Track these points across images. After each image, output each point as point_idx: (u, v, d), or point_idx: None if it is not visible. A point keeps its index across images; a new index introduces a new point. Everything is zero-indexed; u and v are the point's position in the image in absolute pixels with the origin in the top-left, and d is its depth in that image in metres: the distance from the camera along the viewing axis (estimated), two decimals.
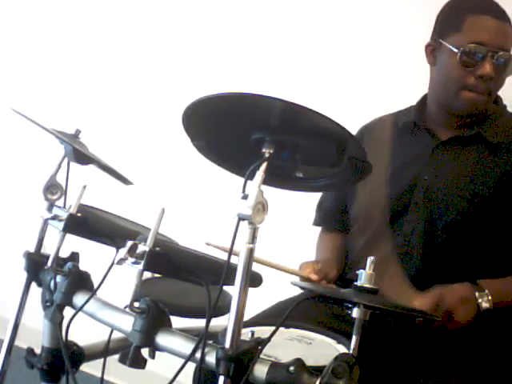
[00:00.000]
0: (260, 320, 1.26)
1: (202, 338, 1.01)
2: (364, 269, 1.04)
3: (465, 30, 1.52)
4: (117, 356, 1.10)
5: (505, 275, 1.52)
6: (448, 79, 1.56)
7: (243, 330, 0.99)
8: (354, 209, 1.72)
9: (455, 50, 1.51)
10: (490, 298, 1.43)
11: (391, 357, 1.45)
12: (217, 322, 1.09)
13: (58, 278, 1.26)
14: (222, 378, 0.97)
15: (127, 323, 1.09)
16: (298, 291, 1.42)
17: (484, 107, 1.58)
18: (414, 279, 1.53)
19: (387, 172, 1.62)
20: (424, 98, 1.71)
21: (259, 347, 0.98)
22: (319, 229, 1.89)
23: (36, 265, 1.36)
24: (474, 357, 1.42)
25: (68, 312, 1.22)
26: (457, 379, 1.37)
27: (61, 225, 1.26)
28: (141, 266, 1.06)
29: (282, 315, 1.02)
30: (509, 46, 1.52)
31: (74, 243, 1.33)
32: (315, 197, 1.89)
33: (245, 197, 0.96)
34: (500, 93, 1.63)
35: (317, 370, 0.94)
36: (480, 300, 1.43)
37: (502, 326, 1.51)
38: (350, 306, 0.98)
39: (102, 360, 1.28)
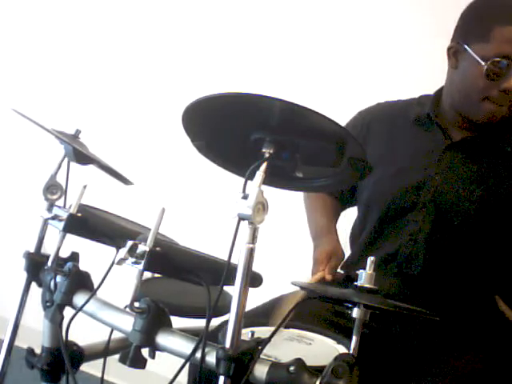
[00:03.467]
0: (259, 319, 1.26)
1: (202, 337, 1.01)
2: (364, 268, 1.04)
3: (492, 41, 1.46)
4: (117, 356, 1.10)
5: (510, 278, 1.51)
6: (470, 88, 1.51)
7: (243, 330, 0.99)
8: (360, 198, 1.71)
9: (482, 62, 1.45)
10: None
11: (392, 357, 1.45)
12: (217, 322, 1.09)
13: (58, 278, 1.25)
14: (222, 378, 0.97)
15: (127, 323, 1.09)
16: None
17: (503, 117, 1.53)
18: (418, 279, 1.53)
19: (394, 165, 1.60)
20: (440, 92, 1.65)
21: (259, 347, 0.98)
22: None
23: (36, 265, 1.36)
24: (478, 357, 1.42)
25: (68, 312, 1.22)
26: (459, 379, 1.37)
27: (61, 225, 1.26)
28: (141, 266, 1.06)
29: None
30: None
31: (74, 243, 1.33)
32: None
33: (245, 197, 0.96)
34: None
35: (317, 370, 0.94)
36: None
37: (506, 327, 1.51)
38: (350, 306, 0.98)
39: (102, 360, 1.28)
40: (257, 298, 1.54)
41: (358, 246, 1.70)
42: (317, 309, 1.47)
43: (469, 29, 1.54)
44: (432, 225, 1.52)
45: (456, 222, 1.51)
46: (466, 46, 1.50)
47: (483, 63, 1.45)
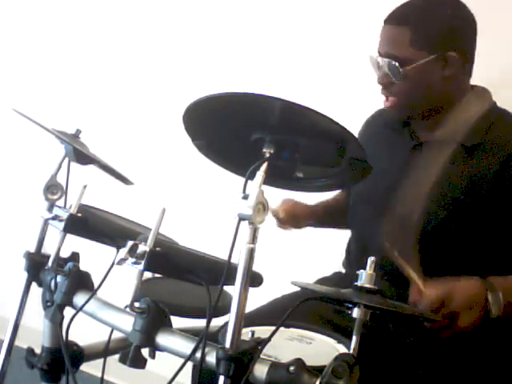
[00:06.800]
0: (260, 319, 1.26)
1: (203, 337, 1.01)
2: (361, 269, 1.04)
3: None
4: (117, 356, 1.10)
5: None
6: None
7: (243, 330, 0.99)
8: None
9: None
10: (502, 303, 1.30)
11: (391, 357, 1.45)
12: (217, 322, 1.09)
13: (59, 278, 1.26)
14: (222, 378, 0.97)
15: (127, 323, 1.09)
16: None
17: (404, 111, 1.56)
18: (390, 283, 1.52)
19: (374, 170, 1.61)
20: None
21: (259, 347, 0.98)
22: (318, 230, 1.89)
23: (36, 265, 1.36)
24: (476, 358, 1.42)
25: (68, 312, 1.22)
26: (458, 379, 1.37)
27: (61, 225, 1.26)
28: (141, 266, 1.06)
29: (281, 313, 1.02)
30: (394, 50, 1.47)
31: (75, 243, 1.33)
32: (315, 197, 1.88)
33: (245, 197, 0.96)
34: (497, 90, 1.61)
35: (317, 370, 0.94)
36: (491, 303, 1.29)
37: (503, 327, 1.50)
38: (350, 306, 0.98)
39: (102, 360, 1.28)
40: (257, 298, 1.54)
41: (351, 256, 1.71)
42: (316, 308, 1.47)
43: None
44: (398, 228, 1.49)
45: (417, 222, 1.47)
46: None
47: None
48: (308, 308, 1.21)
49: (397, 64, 1.45)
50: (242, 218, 0.97)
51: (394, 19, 1.49)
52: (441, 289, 1.29)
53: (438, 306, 1.27)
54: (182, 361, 1.03)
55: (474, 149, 1.49)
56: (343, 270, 1.76)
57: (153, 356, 1.09)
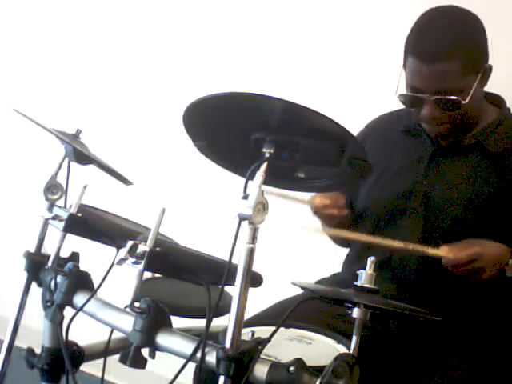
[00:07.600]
0: (260, 320, 1.26)
1: (203, 338, 1.01)
2: (362, 268, 1.04)
3: (406, 71, 1.47)
4: (117, 356, 1.10)
5: (500, 283, 1.51)
6: None
7: (243, 330, 0.99)
8: (356, 205, 1.71)
9: (396, 92, 1.48)
10: None
11: (391, 357, 1.45)
12: (217, 322, 1.09)
13: (59, 278, 1.26)
14: (222, 378, 0.97)
15: (127, 323, 1.09)
16: (298, 291, 1.41)
17: (453, 131, 1.52)
18: (410, 284, 1.53)
19: (386, 173, 1.60)
20: None
21: (259, 347, 0.98)
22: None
23: (36, 265, 1.36)
24: (476, 356, 1.42)
25: (68, 312, 1.22)
26: (458, 379, 1.37)
27: (61, 225, 1.26)
28: (141, 266, 1.06)
29: (282, 315, 1.02)
30: (448, 85, 1.42)
31: (75, 243, 1.33)
32: None
33: (245, 197, 0.96)
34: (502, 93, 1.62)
35: (317, 370, 0.94)
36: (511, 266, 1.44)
37: (503, 326, 1.50)
38: (350, 306, 0.98)
39: (102, 360, 1.28)
40: (257, 298, 1.54)
41: (352, 254, 1.70)
42: (314, 312, 1.47)
43: (404, 49, 1.50)
44: (423, 229, 1.53)
45: (446, 226, 1.51)
46: (402, 67, 1.49)
47: (402, 95, 1.48)
48: (306, 313, 1.21)
49: (456, 97, 1.42)
50: (242, 218, 0.97)
51: (439, 56, 1.41)
52: (472, 249, 1.41)
53: (465, 262, 1.39)
54: (181, 360, 1.03)
55: (500, 156, 1.52)
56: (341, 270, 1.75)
57: (153, 356, 1.09)
